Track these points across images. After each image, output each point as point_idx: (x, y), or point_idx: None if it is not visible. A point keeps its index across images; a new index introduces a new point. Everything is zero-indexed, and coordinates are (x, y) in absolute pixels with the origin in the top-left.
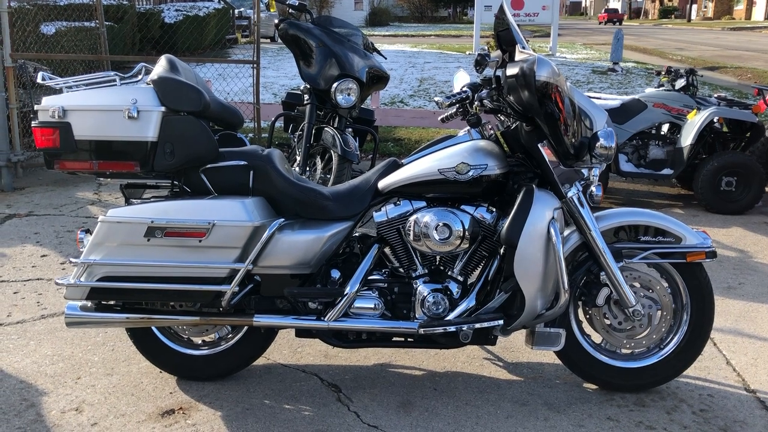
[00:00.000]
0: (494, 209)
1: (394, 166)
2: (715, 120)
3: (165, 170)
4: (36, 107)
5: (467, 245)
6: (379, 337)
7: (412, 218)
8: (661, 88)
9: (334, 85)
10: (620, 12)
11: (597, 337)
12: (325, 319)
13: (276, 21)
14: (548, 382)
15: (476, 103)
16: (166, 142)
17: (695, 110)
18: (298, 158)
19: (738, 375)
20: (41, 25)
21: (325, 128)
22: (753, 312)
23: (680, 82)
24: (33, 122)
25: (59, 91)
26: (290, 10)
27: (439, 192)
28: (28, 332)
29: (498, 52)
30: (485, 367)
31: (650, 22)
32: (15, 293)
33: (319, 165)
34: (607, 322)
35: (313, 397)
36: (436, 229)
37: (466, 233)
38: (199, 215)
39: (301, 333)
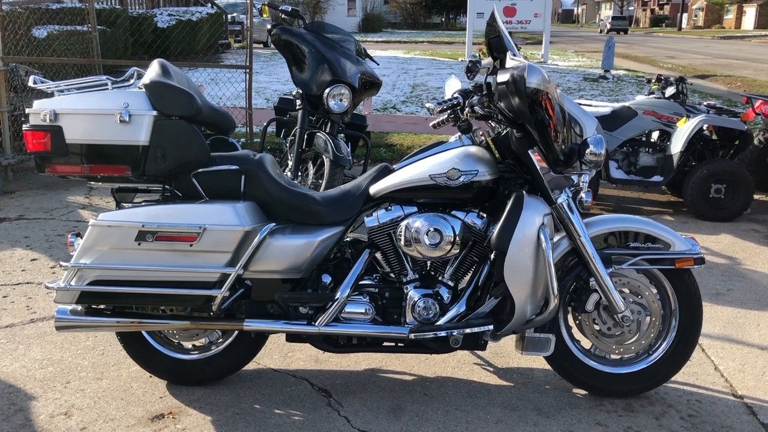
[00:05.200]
0: (485, 215)
1: (386, 172)
2: (704, 128)
3: (156, 174)
4: (27, 110)
5: (458, 250)
6: (369, 342)
7: (403, 223)
8: (651, 96)
9: (327, 90)
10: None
11: (586, 343)
12: (316, 323)
13: (269, 26)
14: (538, 387)
15: (467, 109)
16: (157, 146)
17: (685, 118)
18: (290, 163)
19: (726, 381)
20: (33, 29)
21: (317, 133)
22: (741, 318)
23: (670, 90)
24: (24, 126)
25: (51, 95)
26: (283, 16)
27: (430, 197)
28: (17, 336)
29: (489, 59)
30: (475, 372)
31: (641, 30)
32: (4, 297)
33: (311, 170)
34: (597, 327)
35: (303, 402)
36: (427, 235)
37: (457, 239)
38: (191, 219)
39: (292, 338)
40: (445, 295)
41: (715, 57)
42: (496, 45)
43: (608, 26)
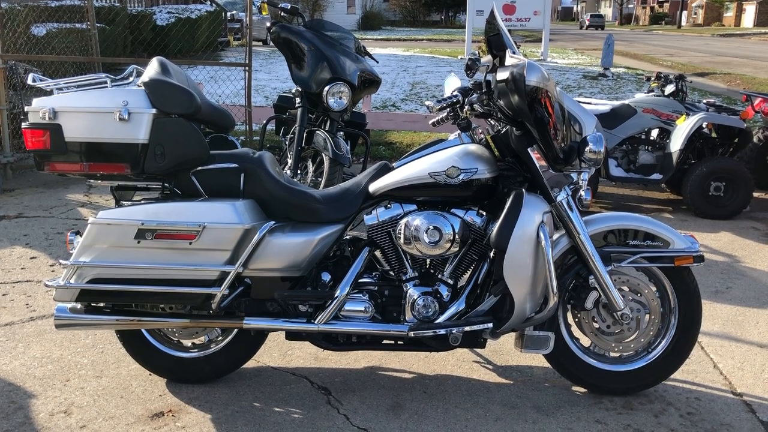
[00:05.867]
0: (484, 213)
1: (385, 170)
2: (704, 125)
3: (156, 172)
4: (26, 108)
5: (457, 248)
6: (369, 340)
7: (403, 221)
8: (650, 94)
9: (326, 88)
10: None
11: (586, 341)
12: (316, 321)
13: (268, 24)
14: (537, 385)
15: (467, 107)
16: (156, 144)
17: (684, 116)
18: (290, 161)
19: (725, 378)
20: (32, 27)
21: (317, 131)
22: (740, 316)
23: (670, 88)
24: (23, 124)
25: (50, 93)
26: (282, 14)
27: (429, 195)
28: (17, 334)
29: (489, 57)
30: (474, 370)
31: (641, 28)
32: (4, 295)
33: (311, 168)
34: (596, 325)
35: (302, 400)
36: (426, 233)
37: (456, 237)
38: (190, 217)
39: (292, 336)
40: (445, 293)
41: (715, 55)
42: (495, 43)
43: (587, 23)
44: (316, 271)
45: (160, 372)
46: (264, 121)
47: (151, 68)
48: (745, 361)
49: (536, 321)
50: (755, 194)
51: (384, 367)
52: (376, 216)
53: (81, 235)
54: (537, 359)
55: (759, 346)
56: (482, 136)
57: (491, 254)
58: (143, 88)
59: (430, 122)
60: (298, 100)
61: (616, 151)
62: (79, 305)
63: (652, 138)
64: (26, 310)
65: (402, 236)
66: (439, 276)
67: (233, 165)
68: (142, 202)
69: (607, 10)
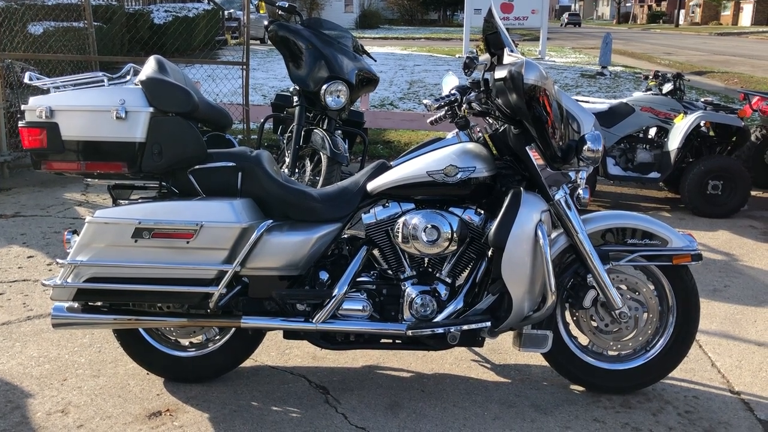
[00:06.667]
0: (482, 211)
1: (383, 168)
2: (701, 124)
3: (153, 171)
4: (23, 107)
5: (455, 247)
6: (367, 339)
7: (401, 220)
8: (648, 92)
9: (324, 86)
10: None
11: (584, 339)
12: (313, 320)
13: (266, 23)
14: (535, 383)
15: (465, 105)
16: (154, 142)
17: (682, 114)
18: (287, 160)
19: (723, 377)
20: (29, 25)
21: (315, 130)
22: (738, 314)
23: (667, 87)
24: (20, 122)
25: (46, 91)
26: (280, 12)
27: (427, 194)
28: (14, 334)
29: (487, 56)
30: (473, 368)
31: (638, 26)
32: (1, 294)
33: (308, 167)
34: (594, 324)
35: (300, 398)
36: (424, 231)
37: (455, 235)
38: (187, 216)
39: (289, 335)
40: (443, 291)
41: (713, 53)
42: (493, 41)
43: (566, 20)
44: (314, 270)
45: (158, 371)
46: (262, 120)
47: (149, 67)
48: (742, 360)
49: (534, 320)
50: (753, 193)
51: (382, 366)
52: (374, 215)
53: (78, 234)
54: (535, 358)
55: (757, 344)
56: (480, 134)
57: (489, 253)
58: (140, 86)
59: (428, 121)
60: (295, 98)
61: (614, 149)
62: (76, 304)
63: (650, 136)
64: (23, 309)
65: (400, 235)
66: (437, 275)
67: (231, 164)
68: (140, 201)
69: (605, 9)
